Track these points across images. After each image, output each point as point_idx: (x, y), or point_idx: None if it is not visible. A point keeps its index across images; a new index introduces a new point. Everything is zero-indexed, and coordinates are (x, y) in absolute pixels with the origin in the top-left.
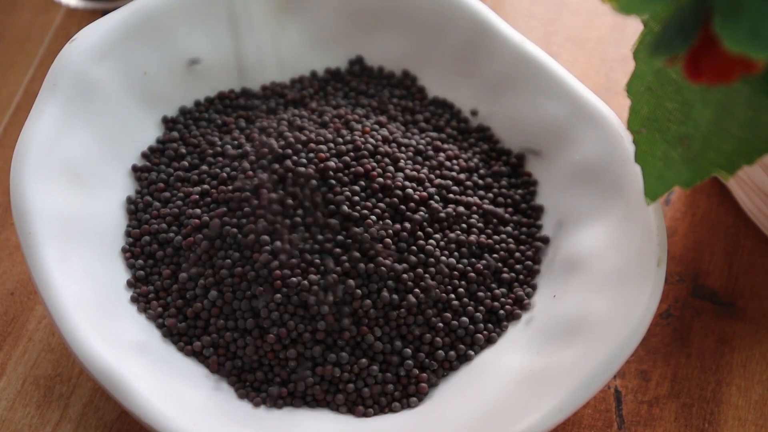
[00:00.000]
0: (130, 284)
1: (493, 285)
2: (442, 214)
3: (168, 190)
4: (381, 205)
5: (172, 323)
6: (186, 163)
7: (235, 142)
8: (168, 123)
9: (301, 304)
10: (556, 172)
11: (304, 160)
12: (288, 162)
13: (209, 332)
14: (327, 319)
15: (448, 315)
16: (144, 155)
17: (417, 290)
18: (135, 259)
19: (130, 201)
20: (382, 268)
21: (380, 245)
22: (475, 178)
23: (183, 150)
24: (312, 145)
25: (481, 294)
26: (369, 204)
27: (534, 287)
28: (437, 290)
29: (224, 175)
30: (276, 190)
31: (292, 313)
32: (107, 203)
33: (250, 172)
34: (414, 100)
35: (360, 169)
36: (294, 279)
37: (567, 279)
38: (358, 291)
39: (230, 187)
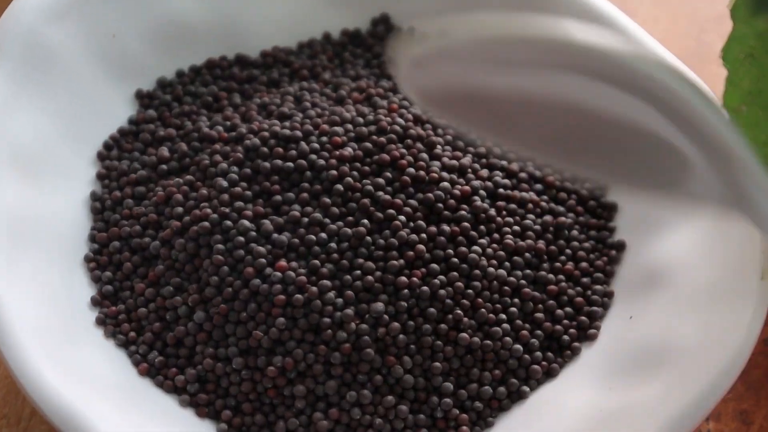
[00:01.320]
0: (95, 302)
1: (554, 303)
2: (491, 213)
3: (143, 183)
4: (412, 202)
5: (144, 369)
6: (166, 150)
7: (228, 123)
8: (143, 99)
9: (312, 327)
10: None
11: (316, 146)
12: (294, 149)
13: (194, 363)
14: (344, 349)
15: (497, 341)
16: (113, 139)
17: (458, 310)
18: (101, 271)
19: (95, 197)
20: (414, 280)
21: (411, 253)
22: (530, 168)
23: (162, 133)
24: (325, 126)
25: (538, 315)
26: (398, 201)
27: (606, 306)
28: (483, 310)
29: (212, 165)
30: (280, 183)
31: (299, 340)
32: (66, 200)
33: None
34: None
35: (385, 156)
36: (300, 296)
37: (647, 296)
38: (386, 316)
39: (221, 180)
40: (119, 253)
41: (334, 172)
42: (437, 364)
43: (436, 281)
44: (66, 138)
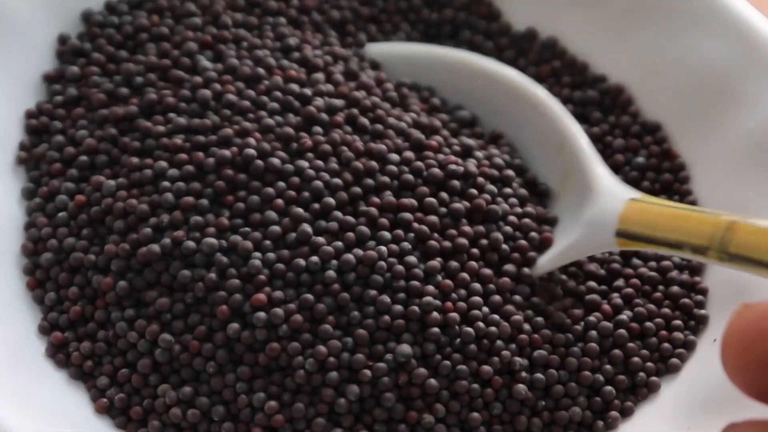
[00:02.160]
0: (44, 330)
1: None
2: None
3: (71, 179)
4: (456, 206)
5: (102, 407)
6: (88, 135)
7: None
8: (66, 46)
9: (312, 390)
10: (719, 149)
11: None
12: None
13: (157, 409)
14: (339, 405)
15: (559, 386)
16: (42, 112)
17: (505, 351)
18: (43, 288)
19: (28, 192)
20: (452, 317)
21: (448, 282)
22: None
23: (79, 110)
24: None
25: (617, 352)
26: (432, 221)
27: (695, 331)
28: (542, 351)
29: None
30: (233, 180)
31: (294, 390)
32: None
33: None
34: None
35: (437, 172)
36: (296, 344)
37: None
38: (413, 361)
39: (167, 193)
40: (58, 266)
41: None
42: (476, 415)
43: (477, 312)
44: None
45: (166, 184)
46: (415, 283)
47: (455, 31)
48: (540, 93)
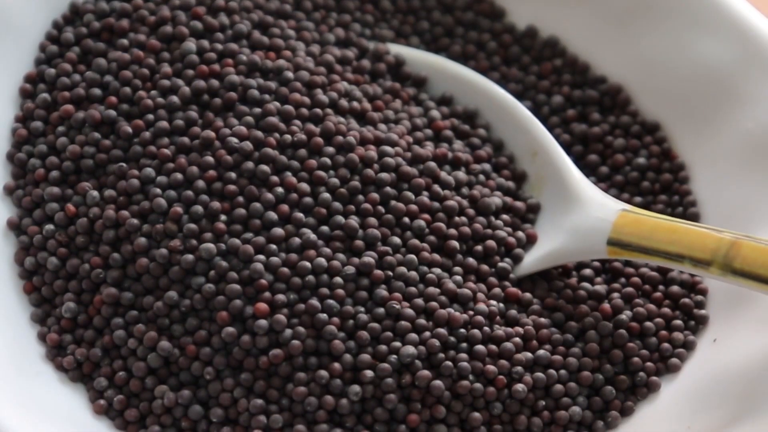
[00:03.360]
0: (41, 336)
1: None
2: None
3: (56, 182)
4: (451, 203)
5: (100, 408)
6: (70, 141)
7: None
8: (46, 39)
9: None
10: (718, 149)
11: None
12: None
13: (156, 411)
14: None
15: (559, 386)
16: (28, 115)
17: (518, 355)
18: (38, 292)
19: (7, 188)
20: (455, 316)
21: (467, 292)
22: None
23: (81, 91)
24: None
25: (617, 352)
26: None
27: (695, 330)
28: (546, 350)
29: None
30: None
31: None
32: None
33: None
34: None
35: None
36: (297, 343)
37: (734, 313)
38: (419, 362)
39: (159, 199)
40: (54, 274)
41: (354, 156)
42: (476, 414)
43: (486, 309)
44: None
45: (156, 190)
46: (432, 289)
47: (464, 30)
48: (512, 98)
